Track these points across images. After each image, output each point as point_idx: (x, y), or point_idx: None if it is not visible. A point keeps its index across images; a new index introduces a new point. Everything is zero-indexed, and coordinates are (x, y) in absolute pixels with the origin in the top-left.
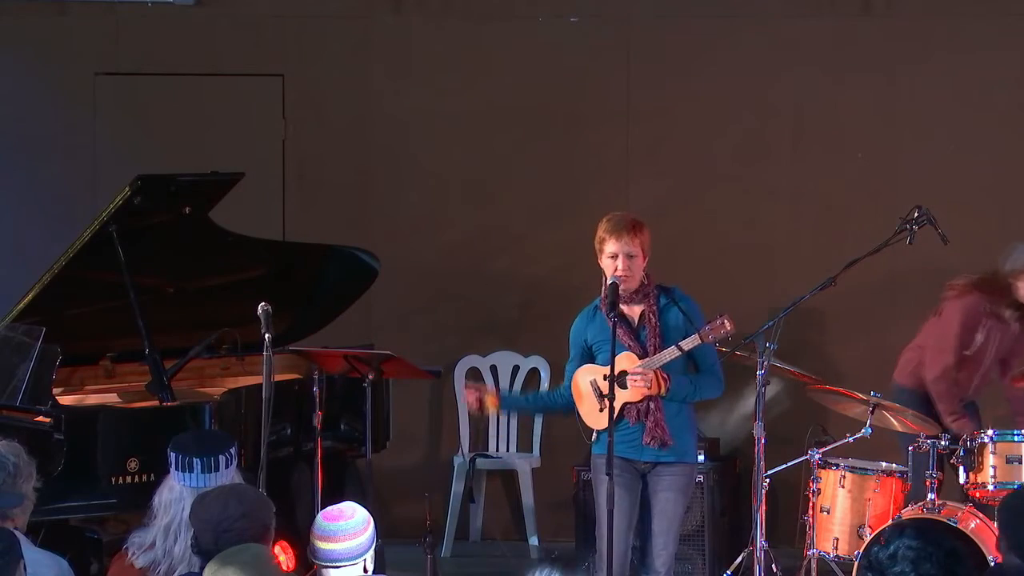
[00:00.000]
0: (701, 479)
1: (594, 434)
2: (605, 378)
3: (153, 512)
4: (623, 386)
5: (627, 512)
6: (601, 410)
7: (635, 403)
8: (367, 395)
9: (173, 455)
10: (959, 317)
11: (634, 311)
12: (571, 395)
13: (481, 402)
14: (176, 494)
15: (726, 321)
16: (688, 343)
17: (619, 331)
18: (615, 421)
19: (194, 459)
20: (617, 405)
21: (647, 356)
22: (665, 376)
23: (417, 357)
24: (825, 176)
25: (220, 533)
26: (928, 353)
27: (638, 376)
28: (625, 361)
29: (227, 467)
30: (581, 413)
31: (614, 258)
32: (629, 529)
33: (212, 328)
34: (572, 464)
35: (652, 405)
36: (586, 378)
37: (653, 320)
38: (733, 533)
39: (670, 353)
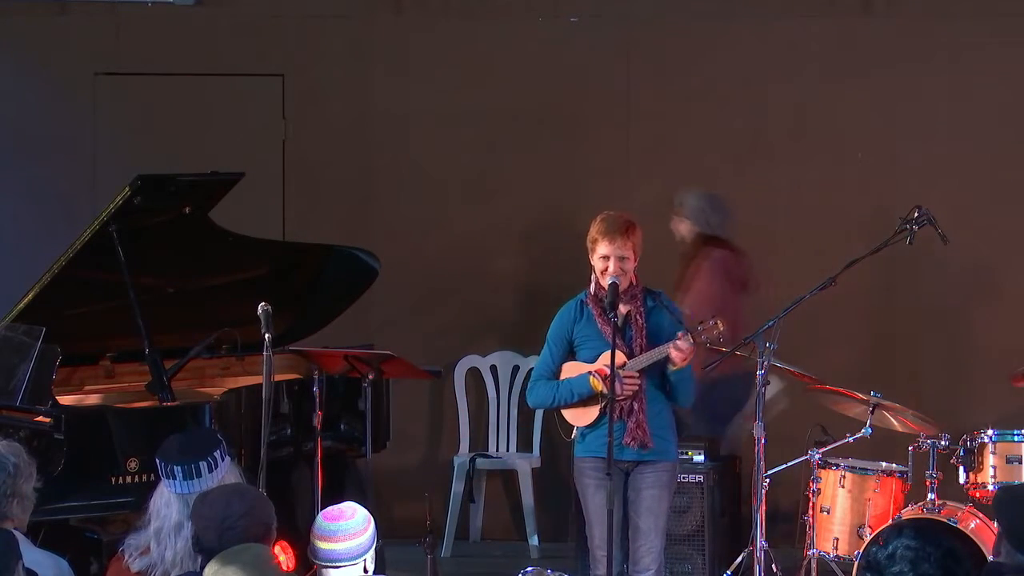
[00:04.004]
0: (701, 479)
1: (574, 432)
2: (604, 378)
3: (148, 516)
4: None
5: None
6: (603, 409)
7: (618, 402)
8: (367, 395)
9: (157, 461)
10: None
11: (620, 311)
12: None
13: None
14: (164, 499)
15: (718, 322)
16: (683, 342)
17: (606, 330)
18: (596, 420)
19: (175, 467)
20: (604, 405)
21: (633, 356)
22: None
23: (417, 357)
24: (825, 176)
25: (224, 531)
26: None
27: (631, 379)
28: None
29: (211, 472)
30: (564, 410)
31: (606, 259)
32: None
33: (212, 328)
34: (572, 464)
35: (635, 405)
36: (572, 375)
37: (640, 320)
38: (733, 533)
39: (662, 350)
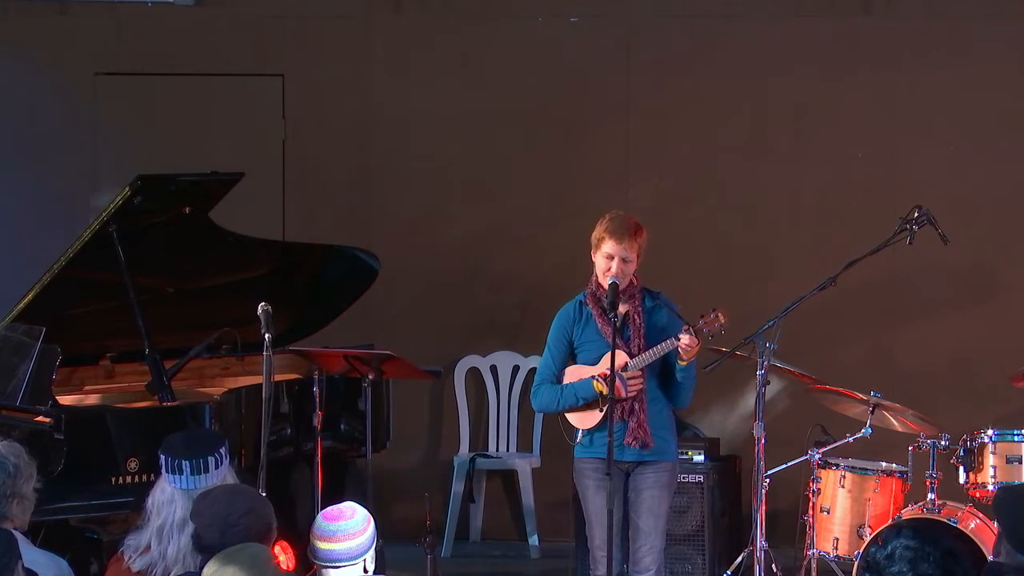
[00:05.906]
0: (701, 479)
1: (579, 435)
2: (605, 379)
3: (147, 514)
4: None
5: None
6: (602, 410)
7: (619, 402)
8: (367, 395)
9: (162, 457)
10: None
11: (619, 310)
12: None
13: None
14: (168, 496)
15: (720, 314)
16: (684, 336)
17: (606, 330)
18: (599, 422)
19: (183, 461)
20: (606, 407)
21: (633, 356)
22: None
23: (417, 357)
24: (825, 176)
25: (227, 528)
26: None
27: (635, 379)
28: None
29: (217, 468)
30: (567, 414)
31: (609, 259)
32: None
33: (212, 328)
34: (572, 464)
35: (636, 406)
36: (575, 378)
37: (638, 320)
38: (733, 533)
39: (665, 347)
